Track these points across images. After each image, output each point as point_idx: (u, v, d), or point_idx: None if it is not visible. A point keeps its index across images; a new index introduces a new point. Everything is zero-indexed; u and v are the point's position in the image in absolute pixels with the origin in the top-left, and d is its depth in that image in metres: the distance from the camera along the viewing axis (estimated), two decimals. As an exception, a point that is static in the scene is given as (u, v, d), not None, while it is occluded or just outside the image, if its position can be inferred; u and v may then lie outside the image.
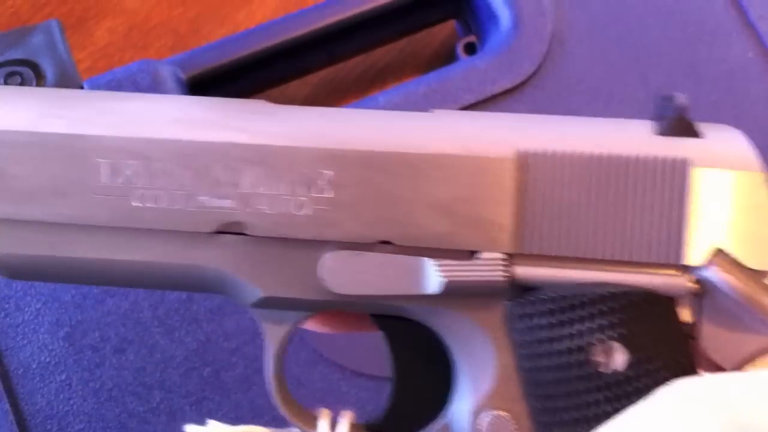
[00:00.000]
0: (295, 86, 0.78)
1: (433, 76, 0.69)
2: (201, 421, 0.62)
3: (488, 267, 0.37)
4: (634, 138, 0.37)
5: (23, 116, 0.37)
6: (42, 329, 0.63)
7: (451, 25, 0.79)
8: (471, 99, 0.68)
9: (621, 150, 0.37)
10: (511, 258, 0.37)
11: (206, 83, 0.69)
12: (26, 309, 0.64)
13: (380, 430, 0.41)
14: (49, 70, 0.67)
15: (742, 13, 0.70)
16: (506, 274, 0.37)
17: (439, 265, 0.37)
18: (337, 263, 0.37)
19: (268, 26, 0.72)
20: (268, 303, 0.39)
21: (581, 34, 0.70)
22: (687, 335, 0.37)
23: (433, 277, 0.37)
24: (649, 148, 0.37)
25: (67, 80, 0.67)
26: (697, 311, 0.37)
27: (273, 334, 0.40)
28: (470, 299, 0.37)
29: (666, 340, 0.37)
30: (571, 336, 0.37)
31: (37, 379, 0.62)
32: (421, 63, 0.80)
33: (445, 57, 0.79)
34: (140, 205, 0.37)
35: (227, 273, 0.38)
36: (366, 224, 0.37)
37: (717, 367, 0.38)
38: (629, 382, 0.36)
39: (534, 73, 0.68)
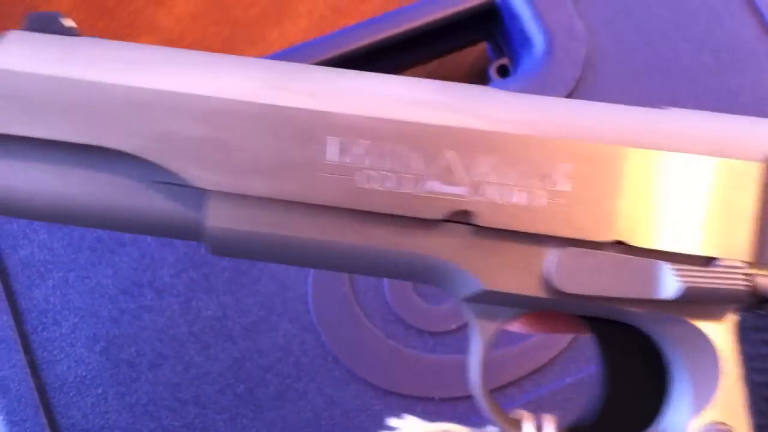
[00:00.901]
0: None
1: (466, 99, 0.69)
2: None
3: (728, 275, 0.35)
4: None
5: (250, 86, 0.35)
6: (79, 343, 0.64)
7: (482, 47, 0.80)
8: (504, 122, 0.68)
9: None
10: (753, 266, 0.35)
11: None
12: (63, 323, 0.64)
13: None
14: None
15: (774, 40, 0.71)
16: (747, 284, 0.35)
17: (677, 270, 0.35)
18: (567, 261, 0.35)
19: (302, 48, 0.72)
20: (485, 297, 0.37)
21: (613, 59, 0.71)
22: None
23: (670, 281, 0.35)
24: None
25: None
26: None
27: (483, 330, 0.38)
28: (701, 307, 0.36)
29: None
30: None
31: (74, 392, 0.63)
32: (451, 85, 0.80)
33: (476, 79, 0.80)
34: (366, 186, 0.35)
35: (449, 263, 0.36)
36: (600, 222, 0.35)
37: None
38: None
39: (567, 97, 0.69)
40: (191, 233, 0.37)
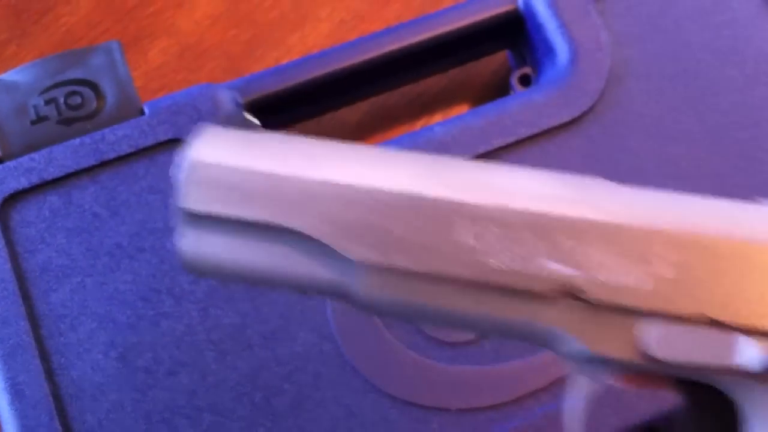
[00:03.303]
0: (345, 112, 0.78)
1: (489, 108, 0.69)
2: (253, 447, 0.62)
3: None
4: None
5: (400, 179, 0.42)
6: (96, 349, 0.63)
7: (502, 55, 0.79)
8: (527, 132, 0.68)
9: None
10: None
11: (262, 108, 0.69)
12: (80, 329, 0.64)
13: None
14: (109, 91, 0.68)
15: (801, 55, 0.70)
16: None
17: (760, 345, 0.39)
18: (660, 332, 0.40)
19: (325, 54, 0.72)
20: (590, 360, 0.42)
21: (639, 71, 0.70)
22: None
23: (752, 353, 0.39)
24: None
25: (127, 102, 0.68)
26: None
27: (586, 387, 0.44)
28: None
29: None
30: None
31: (89, 398, 0.63)
32: (471, 92, 0.80)
33: (496, 87, 0.80)
34: (494, 266, 0.41)
35: (560, 330, 0.41)
36: (693, 301, 0.40)
37: None
38: None
39: (591, 109, 0.68)
40: (343, 296, 0.44)
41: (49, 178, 0.66)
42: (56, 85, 0.67)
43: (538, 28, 0.72)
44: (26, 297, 0.64)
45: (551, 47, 0.71)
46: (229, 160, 0.43)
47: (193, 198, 0.43)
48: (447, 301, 0.42)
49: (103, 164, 0.66)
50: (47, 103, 0.66)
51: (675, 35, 0.71)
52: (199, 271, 0.45)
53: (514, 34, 0.74)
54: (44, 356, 0.63)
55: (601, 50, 0.70)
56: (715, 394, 0.42)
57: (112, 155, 0.66)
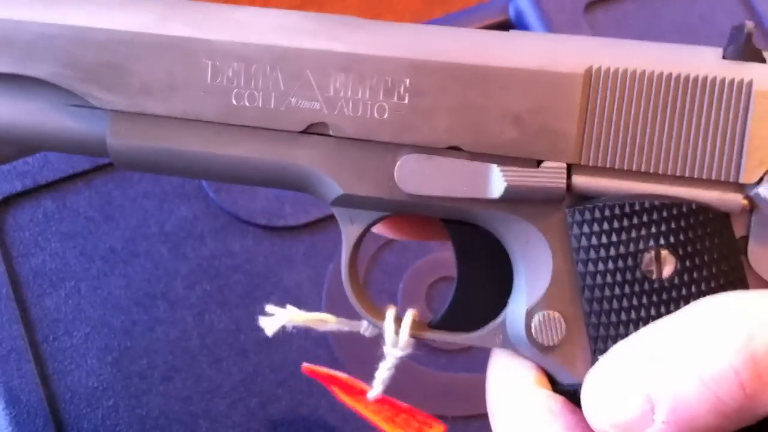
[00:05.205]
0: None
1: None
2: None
3: (550, 174, 0.39)
4: (701, 60, 0.39)
5: (144, 19, 0.40)
6: (90, 354, 0.63)
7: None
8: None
9: (688, 70, 0.39)
10: (574, 168, 0.39)
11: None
12: (75, 333, 0.63)
13: (441, 327, 0.44)
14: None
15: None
16: (567, 182, 0.39)
17: (504, 171, 0.39)
18: (410, 165, 0.40)
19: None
20: (346, 201, 0.41)
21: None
22: (739, 251, 0.40)
23: (498, 182, 0.39)
24: (715, 69, 0.39)
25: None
26: (747, 227, 0.39)
27: (349, 233, 0.43)
28: (532, 205, 0.40)
29: (717, 252, 0.39)
30: (625, 242, 0.39)
31: (84, 404, 0.62)
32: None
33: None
34: (239, 104, 0.40)
35: (311, 170, 0.41)
36: (440, 130, 0.40)
37: (765, 283, 0.40)
38: (677, 288, 0.39)
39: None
40: (99, 150, 0.42)
41: (44, 182, 0.65)
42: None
43: (529, 39, 0.73)
44: (20, 301, 0.63)
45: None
46: None
47: None
48: (199, 146, 0.41)
49: (98, 168, 0.66)
50: (41, 106, 0.66)
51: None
52: None
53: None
54: (39, 361, 0.63)
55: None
56: (476, 230, 0.42)
57: (106, 160, 0.66)
